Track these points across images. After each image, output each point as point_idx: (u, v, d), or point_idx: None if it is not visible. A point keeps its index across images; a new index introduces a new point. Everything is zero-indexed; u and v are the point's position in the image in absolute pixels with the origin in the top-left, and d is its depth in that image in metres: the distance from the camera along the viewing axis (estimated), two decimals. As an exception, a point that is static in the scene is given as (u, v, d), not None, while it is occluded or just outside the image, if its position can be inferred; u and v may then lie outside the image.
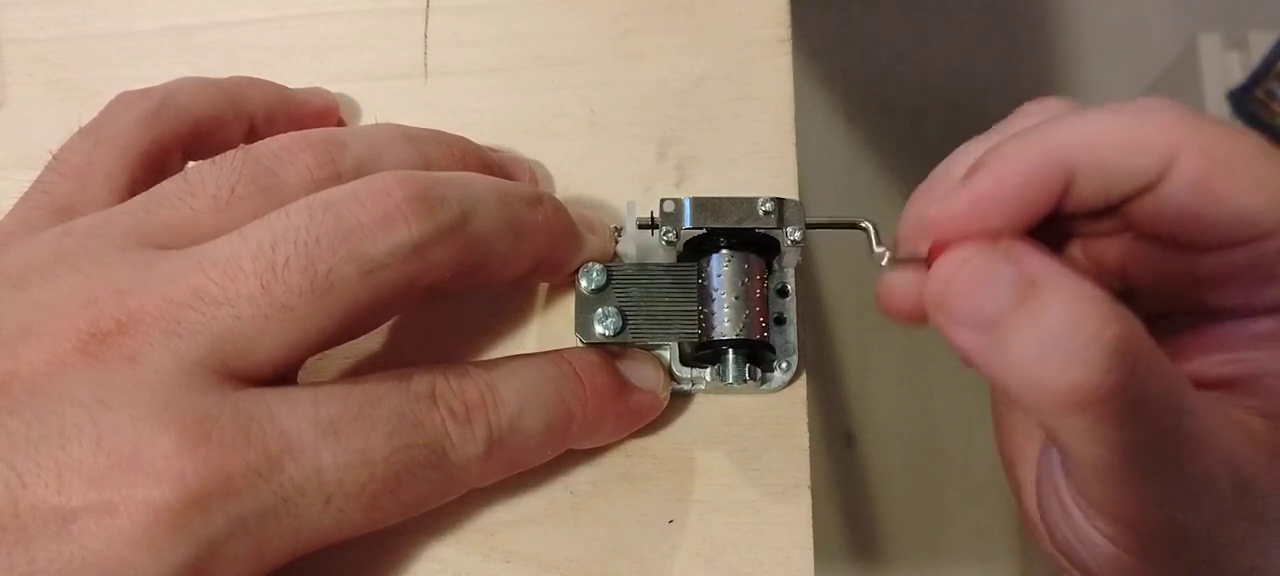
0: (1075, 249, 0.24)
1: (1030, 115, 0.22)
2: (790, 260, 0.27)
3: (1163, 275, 0.22)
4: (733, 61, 0.32)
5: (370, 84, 0.32)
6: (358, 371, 0.28)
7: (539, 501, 0.26)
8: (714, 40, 0.32)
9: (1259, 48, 0.94)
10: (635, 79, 0.32)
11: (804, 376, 0.27)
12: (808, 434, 0.27)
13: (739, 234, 0.25)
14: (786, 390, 0.27)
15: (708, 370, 0.27)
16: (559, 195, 0.30)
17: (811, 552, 0.26)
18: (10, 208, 0.25)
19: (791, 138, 0.30)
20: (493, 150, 0.29)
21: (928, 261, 0.21)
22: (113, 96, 0.27)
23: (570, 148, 0.31)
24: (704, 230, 0.25)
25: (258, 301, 0.20)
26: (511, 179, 0.27)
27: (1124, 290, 0.23)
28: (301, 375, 0.23)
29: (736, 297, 0.25)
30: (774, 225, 0.25)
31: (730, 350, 0.25)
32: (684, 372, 0.27)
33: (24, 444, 0.19)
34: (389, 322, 0.28)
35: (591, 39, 0.32)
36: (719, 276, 0.25)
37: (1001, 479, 0.25)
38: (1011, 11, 1.20)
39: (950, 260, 0.20)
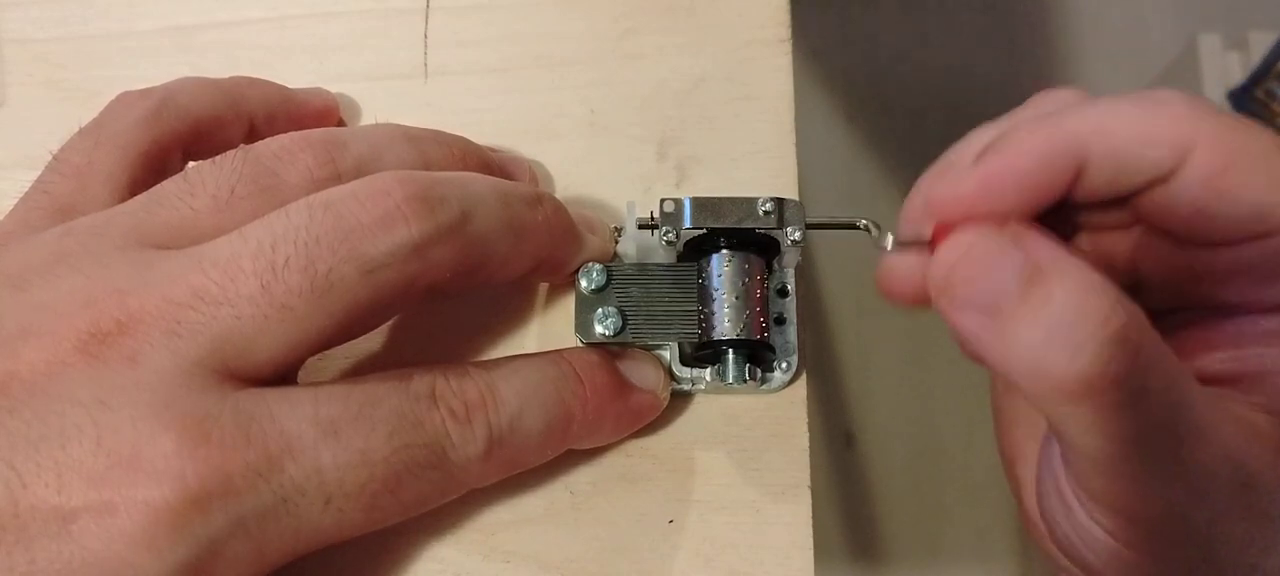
0: (1082, 242, 0.24)
1: (1043, 104, 0.22)
2: (790, 260, 0.27)
3: (1170, 270, 0.22)
4: (733, 61, 0.32)
5: (370, 84, 0.32)
6: (358, 371, 0.28)
7: (539, 501, 0.26)
8: (714, 40, 0.32)
9: (1259, 48, 0.94)
10: (635, 79, 0.32)
11: (804, 376, 0.27)
12: (808, 434, 0.27)
13: (739, 234, 0.25)
14: (786, 390, 0.27)
15: (708, 370, 0.27)
16: (559, 195, 0.30)
17: (811, 552, 0.26)
18: (10, 208, 0.25)
19: (791, 138, 0.30)
20: (493, 150, 0.29)
21: (931, 244, 0.21)
22: (113, 96, 0.27)
23: (570, 148, 0.31)
24: (704, 230, 0.25)
25: (258, 301, 0.20)
26: (511, 179, 0.27)
27: (1131, 285, 0.23)
28: (301, 375, 0.23)
29: (737, 297, 0.25)
30: (774, 225, 0.25)
31: (730, 350, 0.25)
32: (684, 372, 0.27)
33: (24, 444, 0.19)
34: (389, 322, 0.28)
35: (591, 39, 0.32)
36: (719, 276, 0.25)
37: (1001, 479, 0.25)
38: (1011, 11, 1.20)
39: (956, 243, 0.20)
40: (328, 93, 0.31)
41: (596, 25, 0.33)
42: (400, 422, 0.21)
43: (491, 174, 0.26)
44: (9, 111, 0.33)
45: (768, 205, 0.25)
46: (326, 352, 0.25)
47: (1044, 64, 1.17)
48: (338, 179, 0.23)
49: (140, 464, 0.19)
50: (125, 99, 0.27)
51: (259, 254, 0.20)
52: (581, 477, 0.27)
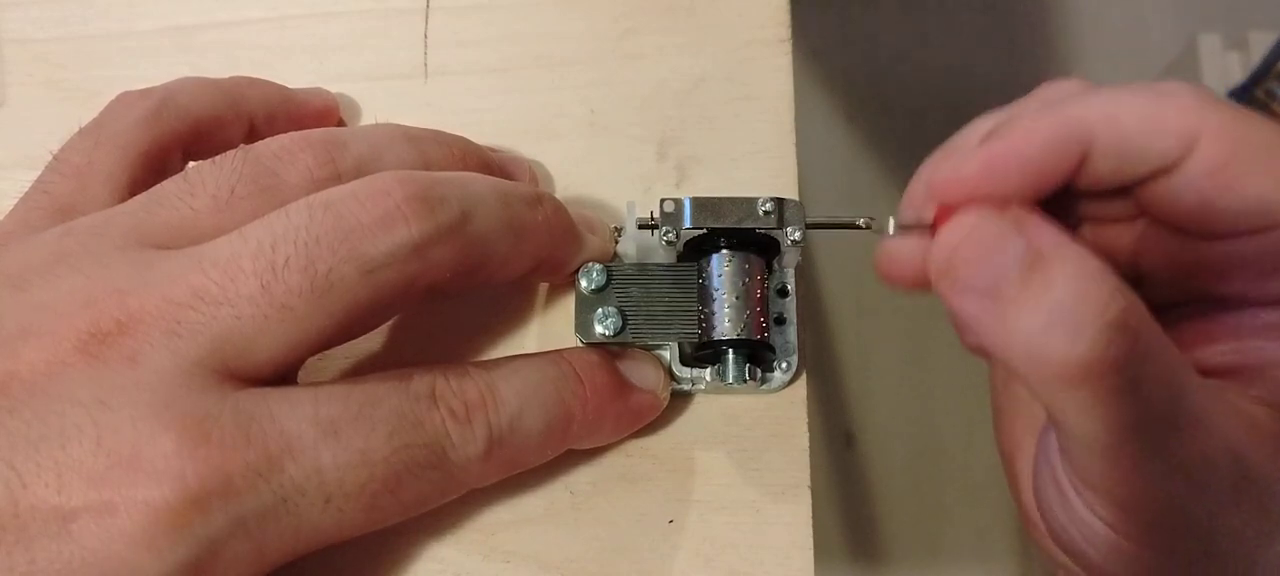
0: (1084, 235, 0.24)
1: (1048, 94, 0.22)
2: (790, 260, 0.27)
3: (1172, 263, 0.22)
4: (733, 61, 0.32)
5: (370, 84, 0.32)
6: (358, 371, 0.28)
7: (539, 501, 0.26)
8: (714, 40, 0.32)
9: (1259, 48, 0.94)
10: (635, 79, 0.32)
11: (804, 376, 0.27)
12: (808, 434, 0.27)
13: (739, 234, 0.25)
14: (786, 390, 0.27)
15: (708, 370, 0.27)
16: (559, 195, 0.30)
17: (811, 552, 0.26)
18: (10, 208, 0.25)
19: (791, 138, 0.30)
20: (493, 150, 0.29)
21: (933, 227, 0.21)
22: (113, 96, 0.27)
23: (570, 148, 0.31)
24: (704, 230, 0.25)
25: (258, 301, 0.20)
26: (511, 179, 0.27)
27: (1132, 279, 0.23)
28: (301, 375, 0.23)
29: (737, 297, 0.25)
30: (774, 225, 0.25)
31: (730, 350, 0.25)
32: (684, 372, 0.27)
33: (24, 444, 0.19)
34: (389, 322, 0.28)
35: (591, 39, 0.32)
36: (719, 276, 0.25)
37: (1002, 479, 0.25)
38: (1011, 11, 1.20)
39: (957, 226, 0.20)
40: (328, 93, 0.31)
41: (596, 25, 0.33)
42: (400, 422, 0.21)
43: (491, 174, 0.26)
44: (9, 111, 0.33)
45: (768, 205, 0.25)
46: (326, 353, 0.25)
47: (1044, 64, 1.17)
48: (338, 179, 0.23)
49: (140, 464, 0.19)
50: (125, 99, 0.27)
51: (259, 254, 0.20)
52: (581, 477, 0.27)
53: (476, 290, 0.28)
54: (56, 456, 0.19)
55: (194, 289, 0.20)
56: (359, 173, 0.24)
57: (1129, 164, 0.20)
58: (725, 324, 0.25)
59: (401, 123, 0.27)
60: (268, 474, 0.19)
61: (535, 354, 0.25)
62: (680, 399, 0.27)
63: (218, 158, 0.23)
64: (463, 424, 0.22)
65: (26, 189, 0.25)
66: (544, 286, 0.29)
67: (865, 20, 1.21)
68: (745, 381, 0.25)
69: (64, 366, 0.19)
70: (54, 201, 0.24)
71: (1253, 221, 0.20)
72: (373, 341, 0.28)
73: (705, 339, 0.25)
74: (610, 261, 0.26)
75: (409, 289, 0.22)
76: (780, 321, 0.27)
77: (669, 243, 0.25)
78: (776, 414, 0.27)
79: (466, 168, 0.26)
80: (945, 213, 0.20)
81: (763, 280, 0.26)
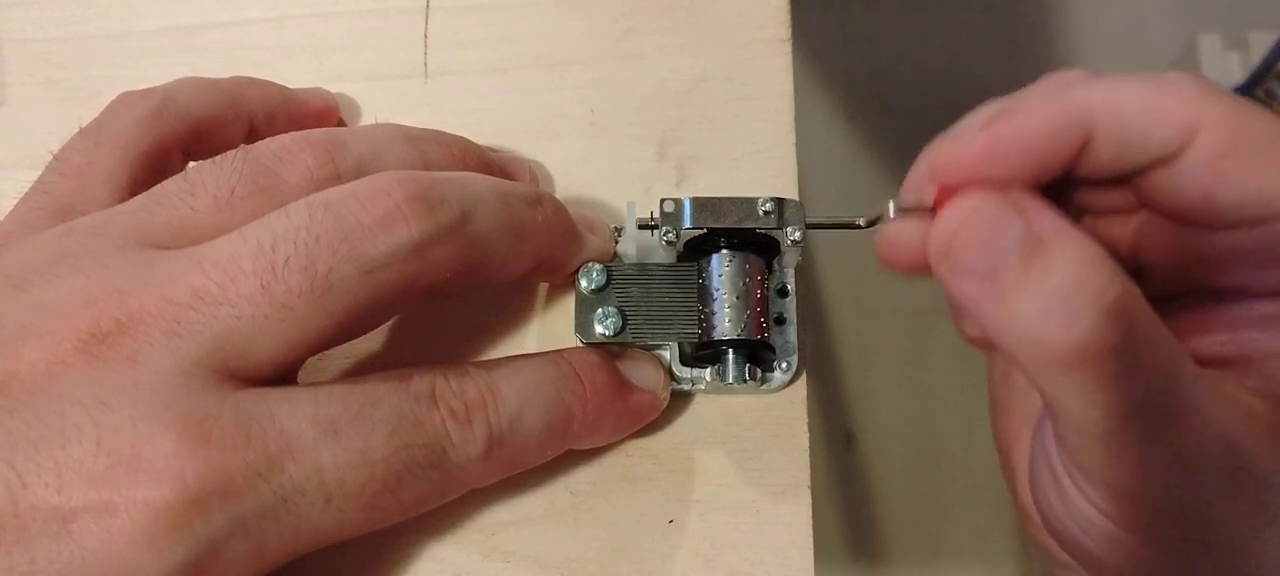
0: (1084, 226, 0.24)
1: (1051, 83, 0.22)
2: (790, 260, 0.27)
3: (1171, 255, 0.22)
4: (733, 61, 0.32)
5: (370, 84, 0.32)
6: (358, 371, 0.28)
7: (539, 501, 0.26)
8: (714, 40, 0.32)
9: (1259, 48, 0.94)
10: (635, 79, 0.32)
11: (804, 376, 0.27)
12: (808, 434, 0.27)
13: (739, 234, 0.25)
14: (786, 390, 0.27)
15: (708, 370, 0.27)
16: (559, 195, 0.30)
17: (811, 552, 0.26)
18: (10, 208, 0.25)
19: (791, 138, 0.30)
20: (493, 150, 0.29)
21: (933, 211, 0.21)
22: (113, 96, 0.27)
23: (570, 148, 0.31)
24: (704, 230, 0.25)
25: (258, 301, 0.20)
26: (511, 179, 0.27)
27: (1131, 270, 0.23)
28: (301, 375, 0.23)
29: (737, 297, 0.25)
30: (774, 225, 0.25)
31: (730, 350, 0.25)
32: (684, 372, 0.27)
33: (24, 444, 0.19)
34: (389, 322, 0.28)
35: (591, 39, 0.32)
36: (719, 276, 0.25)
37: (1001, 479, 0.25)
38: (1011, 11, 1.20)
39: (958, 208, 0.20)
40: (328, 93, 0.31)
41: (596, 25, 0.33)
42: (400, 422, 0.21)
43: (491, 174, 0.26)
44: (9, 111, 0.33)
45: (768, 205, 0.25)
46: (326, 353, 0.25)
47: (1044, 64, 1.17)
48: (338, 179, 0.23)
49: (140, 464, 0.19)
50: (125, 99, 0.27)
51: (259, 254, 0.20)
52: (581, 477, 0.27)
53: (476, 290, 0.28)
54: (56, 456, 0.19)
55: (194, 289, 0.20)
56: (359, 173, 0.24)
57: (1129, 152, 0.20)
58: (725, 324, 0.25)
59: (401, 123, 0.27)
60: (268, 474, 0.19)
61: (535, 354, 0.25)
62: (680, 399, 0.27)
63: (218, 158, 0.23)
64: (463, 424, 0.22)
65: (26, 189, 0.25)
66: (544, 286, 0.29)
67: (865, 20, 1.21)
68: (745, 381, 0.25)
69: (64, 366, 0.19)
70: (54, 201, 0.24)
71: (1252, 212, 0.20)
72: (373, 341, 0.28)
73: (705, 339, 0.25)
74: (610, 261, 0.26)
75: (409, 289, 0.22)
76: (780, 321, 0.27)
77: (669, 243, 0.25)
78: (776, 414, 0.27)
79: (466, 168, 0.26)
80: (946, 194, 0.20)
81: (763, 280, 0.26)
